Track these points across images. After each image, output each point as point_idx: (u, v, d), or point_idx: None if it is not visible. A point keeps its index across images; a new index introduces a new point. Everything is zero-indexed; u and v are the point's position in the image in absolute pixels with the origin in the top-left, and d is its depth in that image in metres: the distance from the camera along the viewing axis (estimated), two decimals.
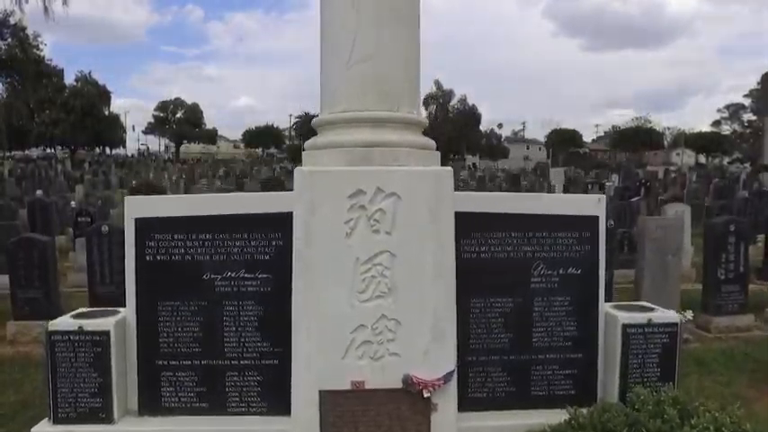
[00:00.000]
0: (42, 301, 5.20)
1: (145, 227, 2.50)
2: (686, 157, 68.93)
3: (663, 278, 5.44)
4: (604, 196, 2.68)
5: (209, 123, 71.62)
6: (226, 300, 2.52)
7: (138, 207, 2.53)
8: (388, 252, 2.27)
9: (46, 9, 25.61)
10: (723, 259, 5.47)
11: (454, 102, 61.54)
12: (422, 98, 2.69)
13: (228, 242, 2.50)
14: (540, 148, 77.85)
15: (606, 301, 4.23)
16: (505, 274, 2.56)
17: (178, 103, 65.48)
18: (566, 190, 19.42)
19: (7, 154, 44.47)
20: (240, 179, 28.16)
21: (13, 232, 7.27)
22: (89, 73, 50.50)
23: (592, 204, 2.63)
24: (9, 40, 24.76)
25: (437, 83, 59.22)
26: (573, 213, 2.60)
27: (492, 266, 2.54)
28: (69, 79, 46.80)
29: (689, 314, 5.27)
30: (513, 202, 2.63)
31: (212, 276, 2.51)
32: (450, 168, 2.32)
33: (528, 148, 79.86)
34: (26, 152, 52.26)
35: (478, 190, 22.64)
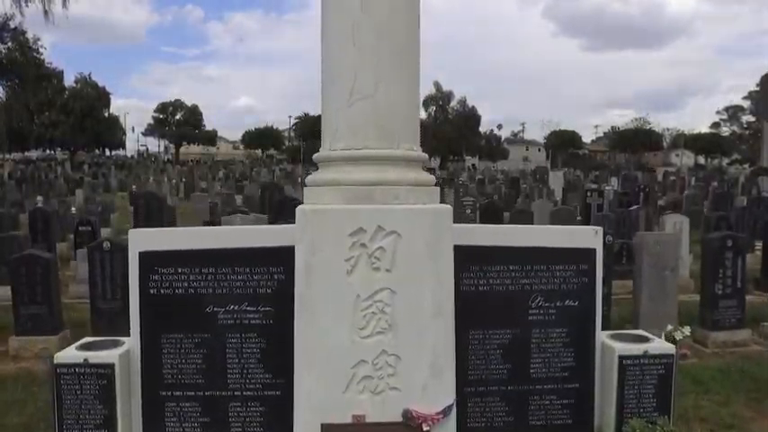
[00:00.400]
0: (45, 317, 5.23)
1: (149, 260, 2.54)
2: (685, 158, 69.01)
3: (661, 293, 5.49)
4: (601, 228, 2.71)
5: (209, 125, 71.69)
6: (228, 332, 2.56)
7: (141, 241, 2.57)
8: (388, 289, 2.32)
9: (46, 12, 25.64)
10: (720, 274, 5.50)
11: (454, 103, 61.67)
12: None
13: (231, 276, 2.53)
14: (539, 149, 77.96)
15: (604, 315, 4.25)
16: (504, 306, 2.60)
17: (177, 104, 65.52)
18: (564, 194, 19.48)
19: (7, 156, 44.52)
20: (240, 182, 28.25)
21: (15, 245, 7.31)
22: (89, 75, 50.59)
23: (589, 237, 2.67)
24: (9, 43, 24.82)
25: (437, 84, 59.36)
26: (570, 246, 2.64)
27: (490, 299, 2.58)
28: (69, 80, 46.89)
29: (686, 330, 5.31)
30: (511, 234, 2.66)
31: (215, 309, 2.54)
32: (449, 206, 2.37)
33: (527, 149, 79.97)
34: (25, 154, 52.36)
35: (478, 193, 22.72)
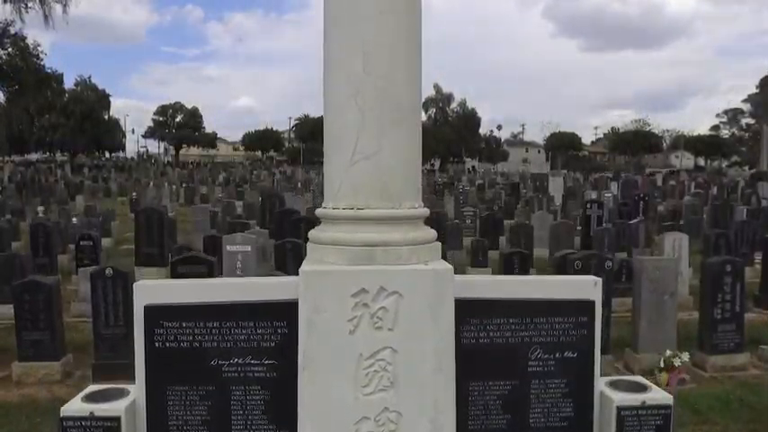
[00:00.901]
0: (47, 343, 5.29)
1: (154, 314, 2.57)
2: (685, 160, 69.06)
3: (659, 318, 5.53)
4: (600, 280, 2.75)
5: (209, 125, 71.78)
6: (233, 385, 2.59)
7: (146, 294, 2.60)
8: (390, 348, 2.35)
9: (46, 17, 25.74)
10: (719, 299, 5.55)
11: (454, 105, 61.81)
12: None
13: (235, 330, 2.56)
14: (539, 151, 78.10)
15: (603, 342, 4.24)
16: (503, 358, 2.63)
17: (177, 107, 65.48)
18: (564, 201, 19.54)
19: (7, 158, 44.54)
20: (240, 186, 28.33)
21: (17, 264, 7.36)
22: (89, 78, 50.63)
23: (588, 288, 2.70)
24: (9, 49, 24.87)
25: (436, 86, 59.48)
26: (570, 298, 2.67)
27: (490, 351, 2.62)
28: (69, 82, 46.91)
29: (684, 356, 5.37)
30: (511, 287, 2.69)
31: (220, 362, 2.58)
32: (450, 266, 2.41)
33: (527, 151, 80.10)
34: (26, 156, 52.37)
35: (478, 199, 22.80)
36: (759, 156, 43.23)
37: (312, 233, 2.55)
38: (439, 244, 2.57)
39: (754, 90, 55.86)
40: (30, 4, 24.03)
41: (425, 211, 2.56)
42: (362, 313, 2.34)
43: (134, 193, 19.33)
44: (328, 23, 2.44)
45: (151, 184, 26.40)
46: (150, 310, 2.58)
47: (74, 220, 13.54)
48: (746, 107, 58.13)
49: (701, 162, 70.38)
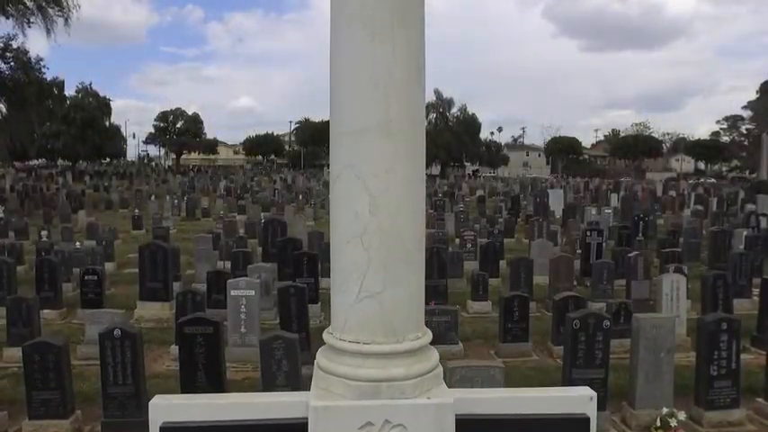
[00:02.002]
0: (57, 402, 5.40)
1: None
2: (685, 164, 69.12)
3: (657, 376, 5.64)
4: (596, 394, 2.86)
5: (209, 126, 72.06)
6: None
7: (162, 413, 2.71)
8: None
9: (48, 31, 25.86)
10: (715, 356, 5.65)
11: (454, 110, 61.95)
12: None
13: None
14: (539, 154, 78.23)
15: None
16: None
17: (179, 113, 65.51)
18: (565, 216, 19.67)
19: (8, 165, 44.68)
20: (241, 197, 28.46)
21: (24, 308, 7.48)
22: (89, 84, 50.72)
23: (584, 403, 2.81)
24: (12, 63, 25.03)
25: (437, 92, 59.60)
26: (565, 413, 2.79)
27: None
28: (70, 85, 47.05)
29: (681, 416, 5.48)
30: (509, 403, 2.81)
31: None
32: (451, 401, 2.52)
33: (527, 155, 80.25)
34: (27, 163, 52.57)
35: (479, 210, 22.86)
36: (758, 163, 43.35)
37: (320, 360, 2.67)
38: (440, 369, 2.69)
39: (753, 91, 56.15)
40: (32, 19, 24.16)
41: (428, 338, 2.67)
42: None
43: (136, 210, 19.43)
44: (336, 167, 2.55)
45: (152, 197, 26.50)
46: (166, 431, 2.69)
47: (77, 244, 13.68)
48: (746, 113, 58.35)
49: (702, 166, 70.52)
